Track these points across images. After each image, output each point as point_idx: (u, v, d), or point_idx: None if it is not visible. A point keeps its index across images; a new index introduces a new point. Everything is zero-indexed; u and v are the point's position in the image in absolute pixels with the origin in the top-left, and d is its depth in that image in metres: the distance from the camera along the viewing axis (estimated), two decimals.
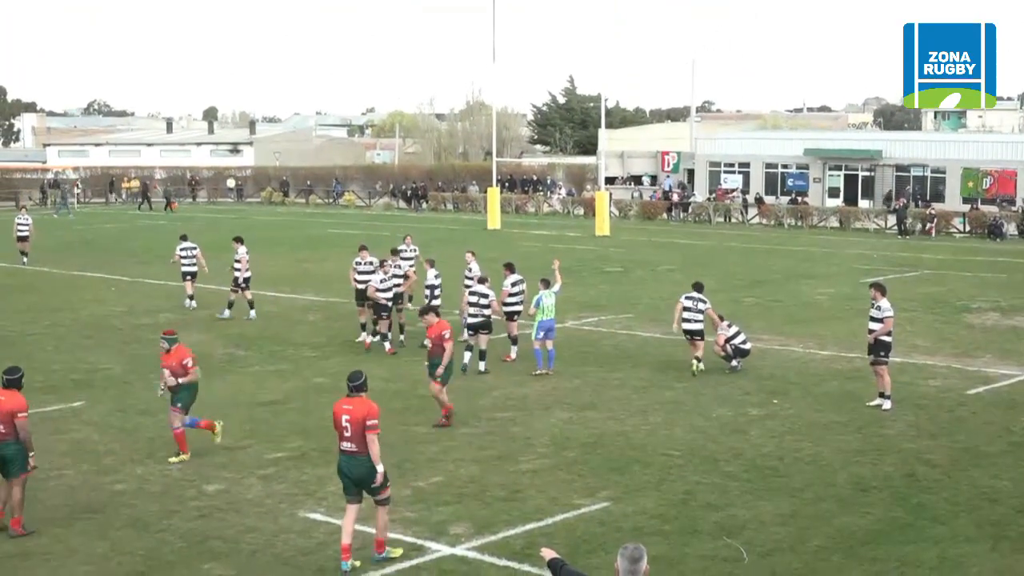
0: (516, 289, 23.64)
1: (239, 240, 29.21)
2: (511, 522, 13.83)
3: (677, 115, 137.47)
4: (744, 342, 22.81)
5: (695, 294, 22.63)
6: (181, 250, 30.59)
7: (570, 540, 13.16)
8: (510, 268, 23.89)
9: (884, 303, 19.90)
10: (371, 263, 25.71)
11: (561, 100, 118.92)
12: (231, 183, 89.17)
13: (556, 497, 14.81)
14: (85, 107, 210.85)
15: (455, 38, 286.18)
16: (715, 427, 18.41)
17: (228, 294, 29.00)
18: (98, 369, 22.81)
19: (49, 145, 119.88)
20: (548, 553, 8.50)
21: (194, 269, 30.48)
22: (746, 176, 75.96)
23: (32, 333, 26.82)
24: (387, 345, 24.38)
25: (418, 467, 16.11)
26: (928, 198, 66.50)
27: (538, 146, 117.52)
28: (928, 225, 56.93)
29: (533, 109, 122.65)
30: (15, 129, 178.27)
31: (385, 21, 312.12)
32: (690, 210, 67.52)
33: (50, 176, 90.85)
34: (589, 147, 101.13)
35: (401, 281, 25.44)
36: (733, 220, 65.73)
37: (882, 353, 19.81)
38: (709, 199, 70.17)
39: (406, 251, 27.47)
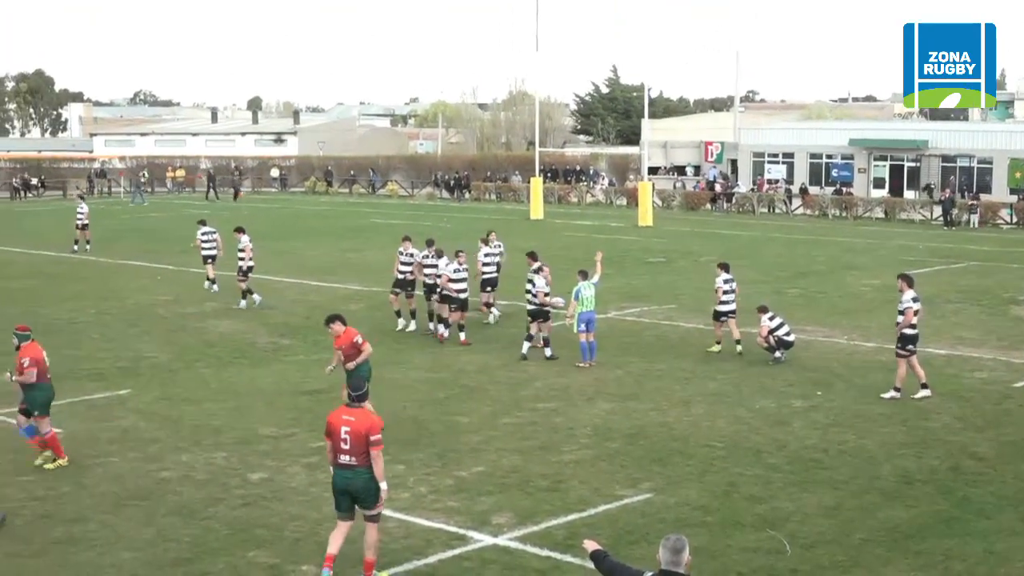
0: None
1: (241, 230, 29.82)
2: (553, 512, 13.85)
3: (721, 105, 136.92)
4: (788, 333, 22.71)
5: (728, 275, 23.35)
6: (202, 235, 31.96)
7: (612, 531, 13.16)
8: (532, 257, 24.30)
9: (906, 295, 19.81)
10: (411, 254, 25.82)
11: (604, 90, 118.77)
12: (275, 172, 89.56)
13: (598, 488, 14.81)
14: (131, 97, 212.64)
15: (498, 28, 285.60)
16: (758, 418, 18.34)
17: (238, 285, 29.29)
18: (144, 357, 23.00)
19: (96, 135, 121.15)
20: (590, 544, 8.51)
21: (214, 253, 31.71)
22: (790, 166, 75.56)
23: (79, 321, 27.08)
24: (462, 336, 24.21)
25: (461, 456, 16.15)
26: (975, 189, 65.87)
27: (581, 136, 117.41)
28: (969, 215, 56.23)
29: (576, 99, 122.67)
30: (63, 119, 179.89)
31: (429, 11, 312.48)
32: (733, 201, 67.21)
33: (96, 166, 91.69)
34: (632, 137, 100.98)
35: (494, 271, 25.73)
36: (777, 211, 65.38)
37: (898, 345, 19.77)
38: (752, 190, 69.82)
39: (492, 248, 26.83)
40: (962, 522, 13.58)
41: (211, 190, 77.48)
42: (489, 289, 26.59)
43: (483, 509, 13.98)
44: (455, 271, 24.27)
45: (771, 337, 22.51)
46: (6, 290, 32.29)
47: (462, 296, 24.26)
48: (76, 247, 41.76)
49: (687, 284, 34.00)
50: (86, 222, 42.41)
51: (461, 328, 24.28)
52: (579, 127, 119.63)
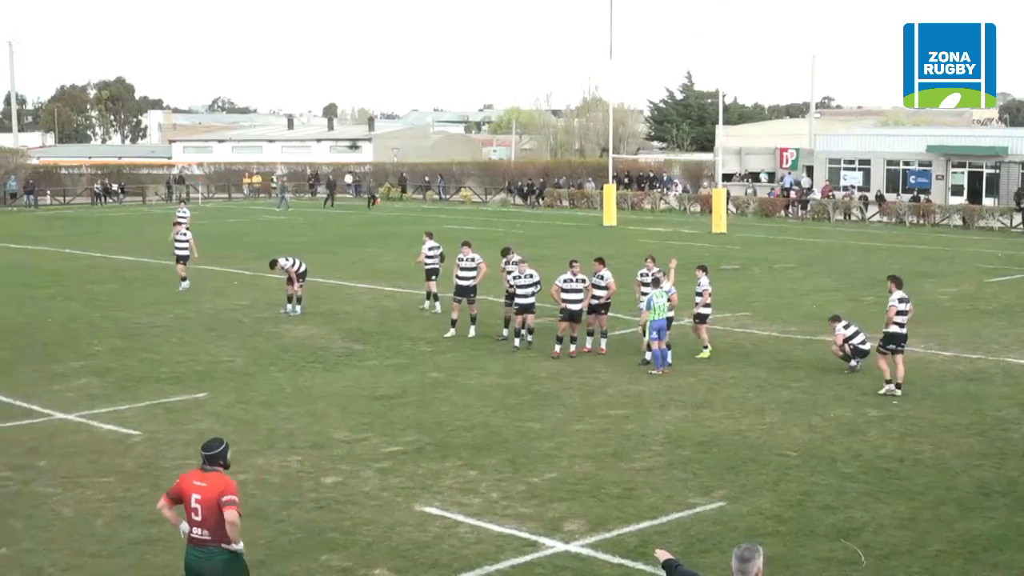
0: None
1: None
2: (625, 520, 13.82)
3: (796, 111, 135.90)
4: (863, 342, 22.47)
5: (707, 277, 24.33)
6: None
7: (685, 539, 13.11)
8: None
9: (894, 295, 20.59)
10: (473, 259, 25.91)
11: (678, 96, 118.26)
12: (348, 179, 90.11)
13: (671, 495, 14.76)
14: (209, 104, 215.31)
15: (572, 35, 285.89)
16: (833, 427, 18.17)
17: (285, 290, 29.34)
18: (220, 361, 23.28)
19: (174, 141, 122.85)
20: (662, 554, 8.49)
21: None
22: (867, 173, 74.71)
23: (157, 325, 27.46)
24: (572, 348, 23.86)
25: (532, 463, 16.17)
26: None
27: (655, 142, 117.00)
28: None
29: (650, 105, 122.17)
30: (143, 126, 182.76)
31: (503, 18, 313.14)
32: (809, 207, 66.63)
33: (175, 172, 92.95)
34: (706, 143, 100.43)
35: (603, 293, 24.18)
36: (853, 218, 64.73)
37: (879, 342, 20.67)
38: (827, 197, 69.16)
39: (647, 273, 24.44)
40: None
41: (330, 198, 77.57)
42: (434, 278, 29.34)
43: (555, 515, 13.98)
44: (565, 281, 23.89)
45: (846, 346, 22.31)
46: (88, 293, 32.86)
47: (572, 308, 23.64)
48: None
49: (761, 291, 33.77)
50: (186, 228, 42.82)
51: (573, 340, 23.89)
52: (653, 133, 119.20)
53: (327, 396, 20.19)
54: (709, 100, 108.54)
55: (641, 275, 24.24)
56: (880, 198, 66.76)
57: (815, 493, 14.85)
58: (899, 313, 20.48)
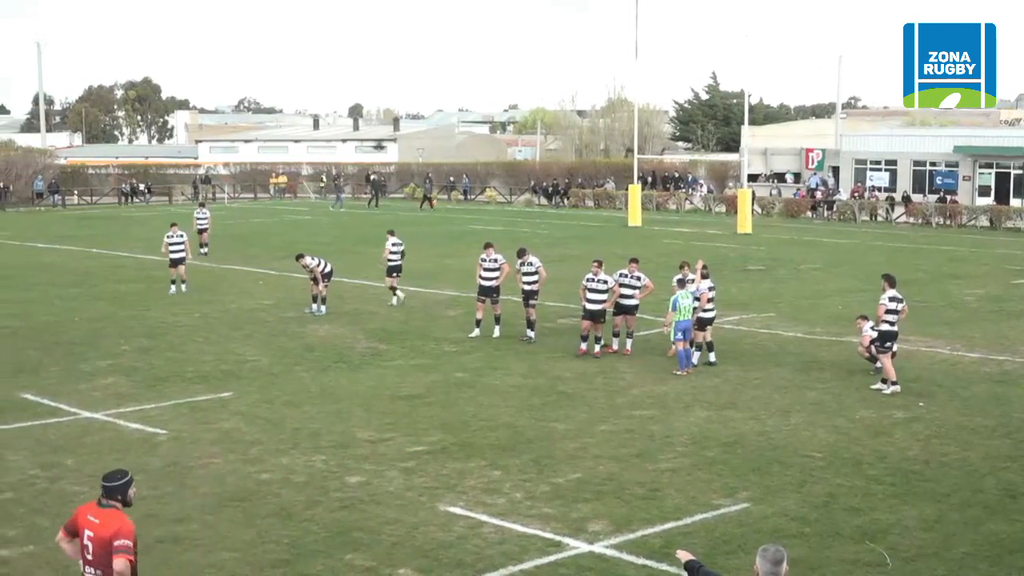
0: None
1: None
2: (650, 520, 13.80)
3: (822, 112, 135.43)
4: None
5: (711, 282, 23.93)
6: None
7: (709, 540, 13.09)
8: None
9: (885, 294, 21.03)
10: (496, 259, 25.94)
11: (704, 96, 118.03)
12: (374, 179, 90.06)
13: (695, 496, 14.73)
14: (236, 104, 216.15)
15: (597, 35, 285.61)
16: (858, 429, 18.11)
17: (311, 289, 29.63)
18: (246, 361, 23.36)
19: (201, 141, 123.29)
20: (684, 555, 8.48)
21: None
22: (893, 174, 74.42)
23: (183, 324, 27.57)
24: (596, 348, 23.86)
25: (557, 463, 16.16)
26: None
27: (680, 143, 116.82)
28: None
29: (675, 106, 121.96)
30: (169, 126, 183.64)
31: (527, 18, 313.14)
32: (835, 208, 66.41)
33: (201, 172, 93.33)
34: (731, 144, 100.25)
35: (636, 293, 24.15)
36: (879, 219, 64.48)
37: (876, 342, 21.10)
38: (854, 197, 68.92)
39: (691, 277, 24.39)
40: None
41: (375, 198, 77.73)
42: (395, 275, 30.71)
43: (579, 516, 13.97)
44: (588, 280, 23.91)
45: (872, 347, 22.21)
46: (116, 293, 33.02)
47: (593, 308, 23.69)
48: (204, 250, 42.58)
49: (786, 292, 33.67)
50: (206, 226, 43.41)
51: (597, 340, 23.88)
52: (678, 134, 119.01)
53: (352, 396, 20.24)
54: (734, 100, 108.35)
55: (677, 280, 24.18)
56: (907, 199, 66.47)
57: (840, 495, 14.80)
58: (889, 312, 20.87)
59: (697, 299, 22.74)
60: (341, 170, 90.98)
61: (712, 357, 22.99)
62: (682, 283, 22.86)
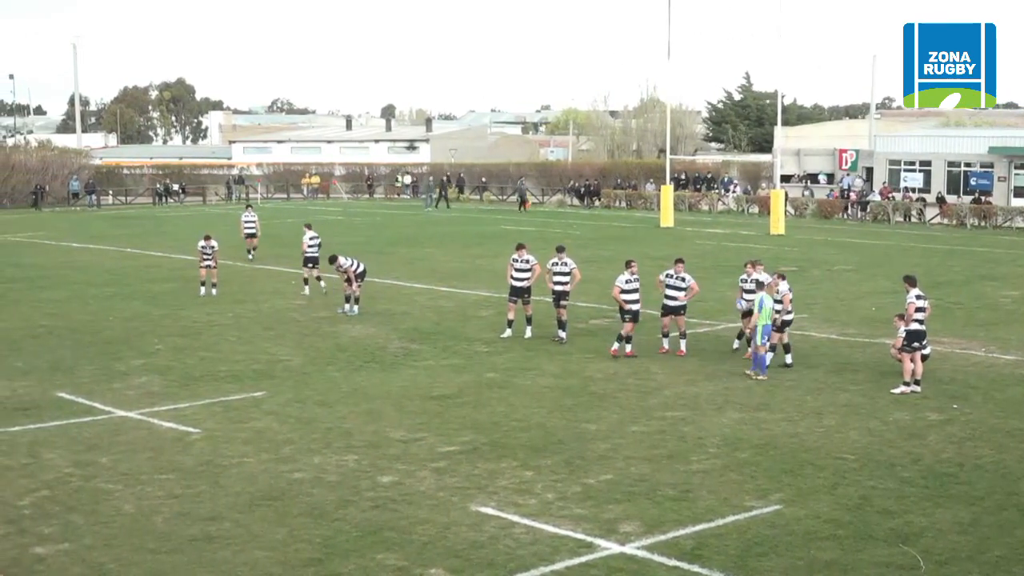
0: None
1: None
2: (681, 522, 13.77)
3: (856, 112, 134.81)
4: (925, 345, 22.22)
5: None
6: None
7: (741, 542, 13.05)
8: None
9: (911, 293, 21.11)
10: (527, 260, 25.91)
11: (737, 97, 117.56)
12: (407, 179, 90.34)
13: (727, 498, 14.69)
14: (269, 105, 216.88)
15: (630, 35, 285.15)
16: (892, 431, 18.01)
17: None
18: (278, 360, 23.45)
19: (234, 142, 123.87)
20: None
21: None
22: (927, 175, 73.96)
23: (217, 324, 27.72)
24: (628, 348, 23.82)
25: (588, 464, 16.15)
26: None
27: (712, 143, 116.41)
28: None
29: (708, 106, 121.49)
30: (203, 126, 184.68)
31: (560, 18, 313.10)
32: (868, 209, 66.07)
33: (235, 172, 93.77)
34: (764, 144, 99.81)
35: (683, 295, 24.07)
36: (912, 220, 64.10)
37: (904, 342, 20.90)
38: (886, 199, 68.52)
39: (747, 280, 24.33)
40: None
41: (442, 197, 77.74)
42: (311, 266, 32.77)
43: (610, 517, 13.96)
44: (627, 282, 23.84)
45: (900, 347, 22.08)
46: (150, 292, 33.23)
47: (634, 308, 23.74)
48: (251, 255, 41.85)
49: (819, 293, 33.52)
50: (254, 231, 42.51)
51: (628, 340, 23.83)
52: (711, 134, 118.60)
53: (383, 396, 20.28)
54: (767, 101, 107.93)
55: (742, 280, 24.43)
56: (940, 200, 66.04)
57: (873, 497, 14.72)
58: (918, 310, 20.88)
59: (779, 301, 22.70)
60: (434, 172, 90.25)
61: (788, 359, 22.89)
62: (760, 285, 22.84)
